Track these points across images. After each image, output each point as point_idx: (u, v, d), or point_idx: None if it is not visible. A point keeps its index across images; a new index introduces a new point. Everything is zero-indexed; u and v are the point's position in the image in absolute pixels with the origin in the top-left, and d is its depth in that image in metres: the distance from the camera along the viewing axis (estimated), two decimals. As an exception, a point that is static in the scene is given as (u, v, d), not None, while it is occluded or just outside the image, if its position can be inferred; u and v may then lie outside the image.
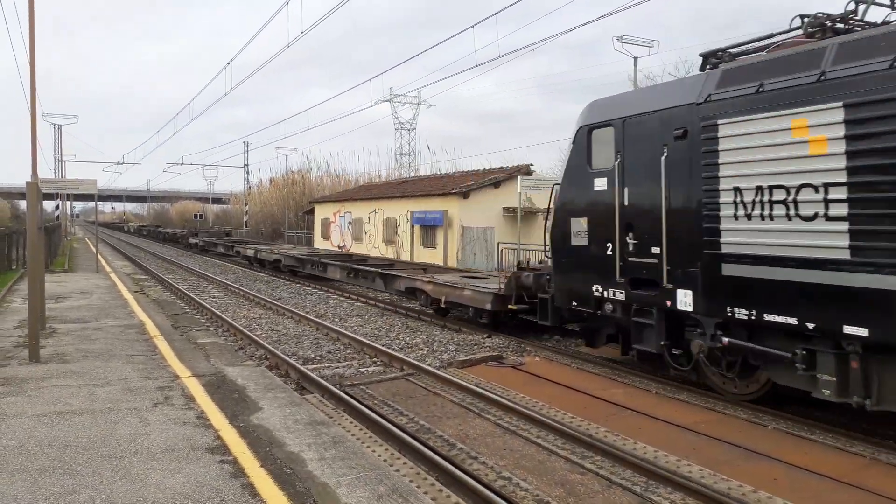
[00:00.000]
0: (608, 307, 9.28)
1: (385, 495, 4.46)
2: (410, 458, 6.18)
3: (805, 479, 6.03)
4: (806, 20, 7.61)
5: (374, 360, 10.69)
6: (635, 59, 23.84)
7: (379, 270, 17.86)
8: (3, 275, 20.63)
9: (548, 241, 10.46)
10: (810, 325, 6.66)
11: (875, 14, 7.63)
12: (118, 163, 63.67)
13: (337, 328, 13.03)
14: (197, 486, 4.57)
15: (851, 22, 7.49)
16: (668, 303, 8.19)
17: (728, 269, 7.44)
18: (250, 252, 30.18)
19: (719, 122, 7.54)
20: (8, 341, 9.81)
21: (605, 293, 9.17)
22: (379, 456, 6.10)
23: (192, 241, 43.84)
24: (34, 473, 4.78)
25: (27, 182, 9.78)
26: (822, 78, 6.57)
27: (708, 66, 8.39)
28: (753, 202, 7.16)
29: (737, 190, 7.33)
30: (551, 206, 10.48)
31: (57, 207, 52.67)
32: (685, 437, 7.14)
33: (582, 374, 9.91)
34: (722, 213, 7.50)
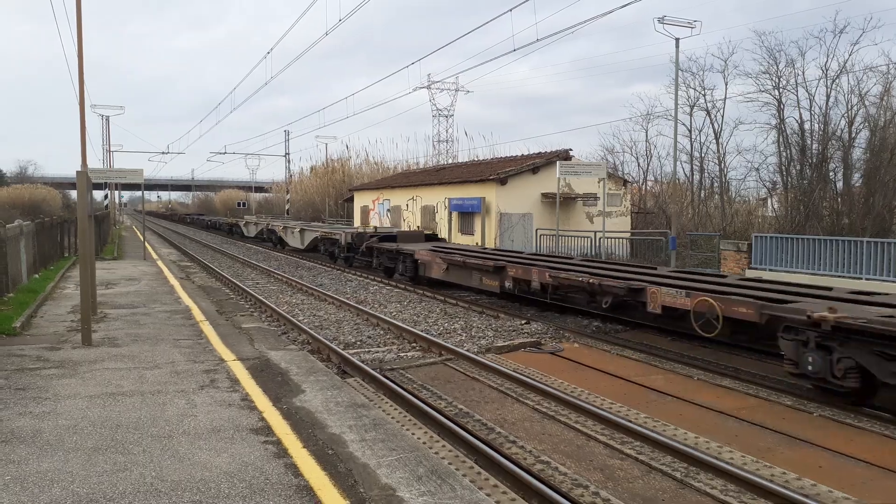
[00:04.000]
0: None
1: (424, 476, 4.53)
2: (449, 441, 6.25)
3: (851, 467, 5.92)
4: None
5: (414, 345, 10.79)
6: (677, 40, 23.30)
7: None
8: (56, 262, 21.35)
9: None
10: None
11: None
12: (163, 152, 64.98)
13: (377, 314, 13.17)
14: (242, 465, 4.71)
15: None
16: None
17: None
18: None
19: None
20: (62, 326, 10.19)
21: None
22: (418, 438, 6.18)
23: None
24: (88, 451, 4.98)
25: (77, 172, 10.08)
26: None
27: None
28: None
29: None
30: None
31: (106, 197, 54.14)
32: (727, 423, 7.05)
33: (621, 360, 9.85)
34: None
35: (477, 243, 27.43)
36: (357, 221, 42.99)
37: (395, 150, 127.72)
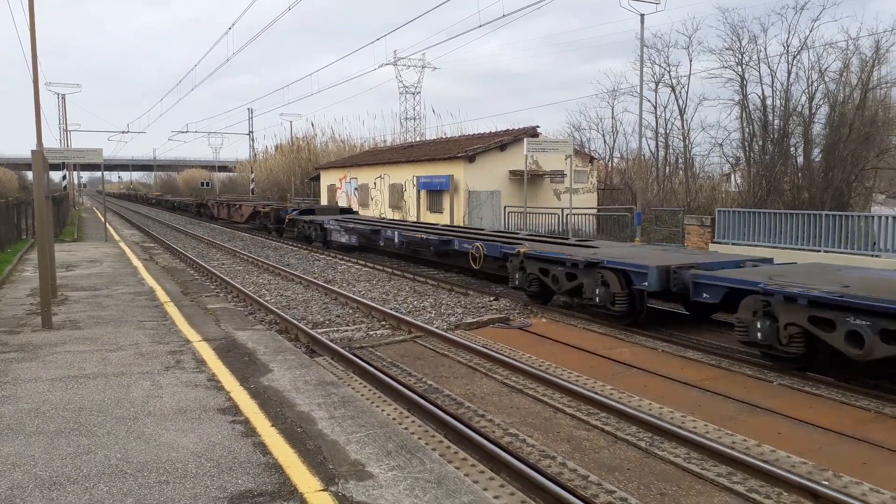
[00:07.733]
0: None
1: (394, 452, 4.55)
2: (419, 417, 6.28)
3: (809, 433, 6.10)
4: None
5: (383, 323, 10.78)
6: (642, 16, 23.37)
7: None
8: (14, 245, 20.79)
9: None
10: None
11: None
12: (123, 132, 63.50)
13: (345, 293, 13.11)
14: (209, 445, 4.67)
15: None
16: None
17: None
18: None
19: None
20: (21, 309, 9.94)
21: None
22: (388, 415, 6.20)
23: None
24: (50, 435, 4.89)
25: (32, 151, 9.78)
26: None
27: None
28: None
29: None
30: None
31: (64, 177, 52.74)
32: (690, 393, 7.21)
33: (588, 334, 9.98)
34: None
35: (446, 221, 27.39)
36: (324, 200, 42.60)
37: (362, 127, 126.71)
